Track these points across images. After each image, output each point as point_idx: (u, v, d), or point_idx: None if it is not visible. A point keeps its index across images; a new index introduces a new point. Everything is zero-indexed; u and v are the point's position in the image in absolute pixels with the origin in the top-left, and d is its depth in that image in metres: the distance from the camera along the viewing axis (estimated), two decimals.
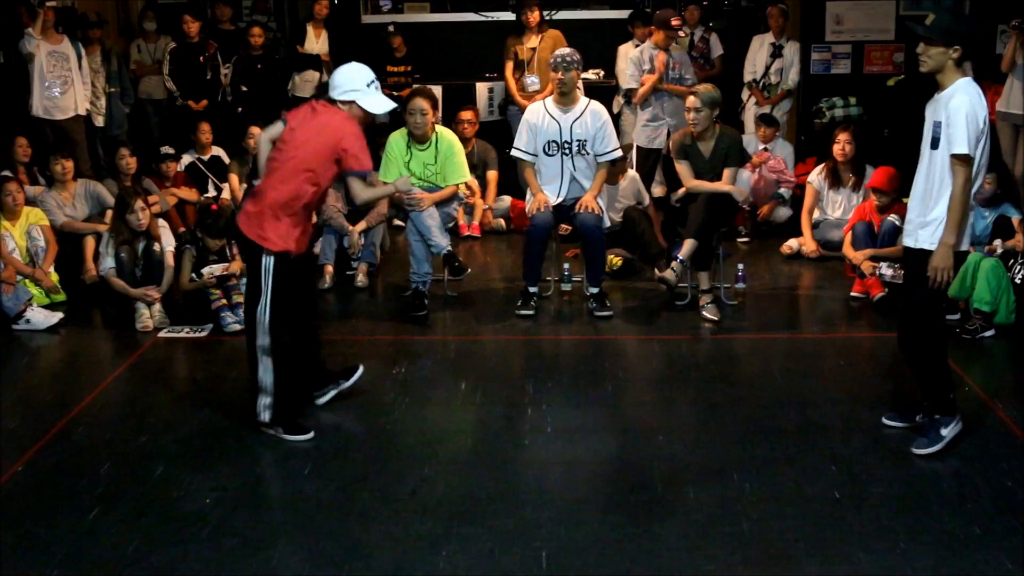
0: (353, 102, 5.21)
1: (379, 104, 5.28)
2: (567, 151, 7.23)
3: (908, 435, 5.19)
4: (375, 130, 10.46)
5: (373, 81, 5.27)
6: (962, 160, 4.73)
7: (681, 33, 9.06)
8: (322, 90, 5.40)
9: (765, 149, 9.42)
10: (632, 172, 8.69)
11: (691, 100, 7.21)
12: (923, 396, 5.22)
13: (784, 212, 9.21)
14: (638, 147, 9.06)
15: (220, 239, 7.33)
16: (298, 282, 5.34)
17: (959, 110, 4.72)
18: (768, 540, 4.34)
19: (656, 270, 7.66)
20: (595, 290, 7.30)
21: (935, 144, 4.85)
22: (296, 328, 5.34)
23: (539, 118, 7.27)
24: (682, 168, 7.30)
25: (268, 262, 5.14)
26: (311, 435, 5.31)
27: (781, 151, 9.51)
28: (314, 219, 8.25)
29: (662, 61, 8.64)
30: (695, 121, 7.17)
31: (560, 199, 7.30)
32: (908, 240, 5.02)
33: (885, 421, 5.39)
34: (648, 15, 10.55)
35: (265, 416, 5.29)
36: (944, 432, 5.03)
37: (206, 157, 9.68)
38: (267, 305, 5.15)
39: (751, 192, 9.10)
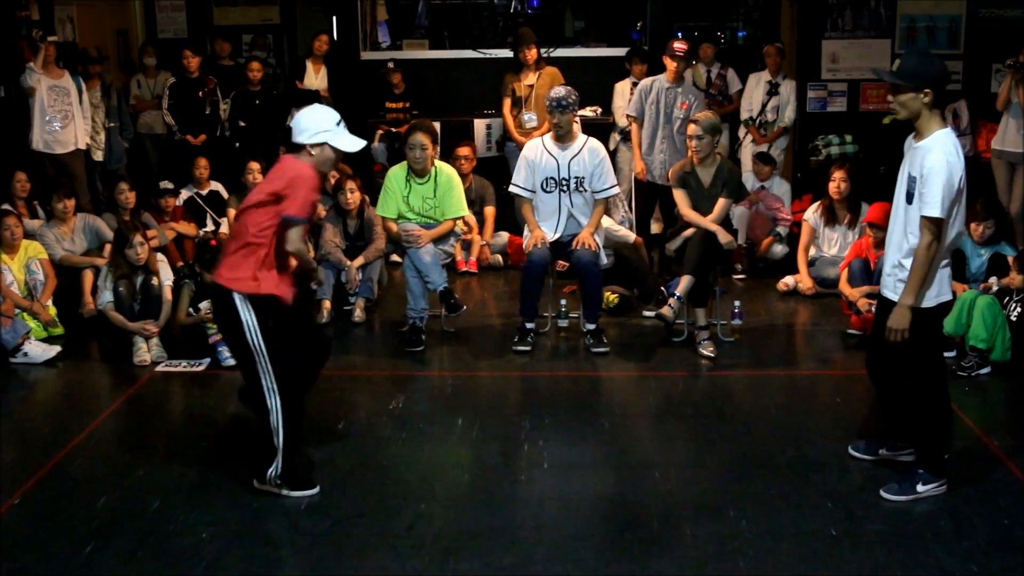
0: (324, 143, 4.97)
1: (350, 143, 5.04)
2: (565, 188, 7.26)
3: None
4: (372, 167, 10.53)
5: (340, 120, 5.06)
6: (933, 222, 4.64)
7: (683, 52, 8.75)
8: (285, 137, 5.13)
9: (762, 187, 9.47)
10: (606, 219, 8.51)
11: (692, 128, 7.27)
12: (903, 436, 5.24)
13: (780, 249, 9.23)
14: (635, 179, 9.06)
15: None
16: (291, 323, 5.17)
17: (934, 172, 4.61)
18: None
19: (655, 308, 7.69)
20: (592, 326, 7.32)
21: (910, 199, 4.77)
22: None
23: (537, 155, 7.31)
24: (679, 196, 7.34)
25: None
26: (316, 490, 5.13)
27: (778, 189, 9.56)
28: (311, 255, 8.31)
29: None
30: (697, 148, 7.22)
31: (557, 235, 7.32)
32: (896, 295, 4.87)
33: (851, 452, 5.44)
34: (645, 52, 10.64)
35: (273, 472, 5.05)
36: (920, 489, 4.96)
37: (204, 192, 9.71)
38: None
39: (748, 229, 9.15)
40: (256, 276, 4.90)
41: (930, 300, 4.81)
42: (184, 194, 9.63)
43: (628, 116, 9.16)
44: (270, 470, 5.02)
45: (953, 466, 5.08)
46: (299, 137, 4.97)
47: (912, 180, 4.75)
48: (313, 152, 4.97)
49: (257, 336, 4.89)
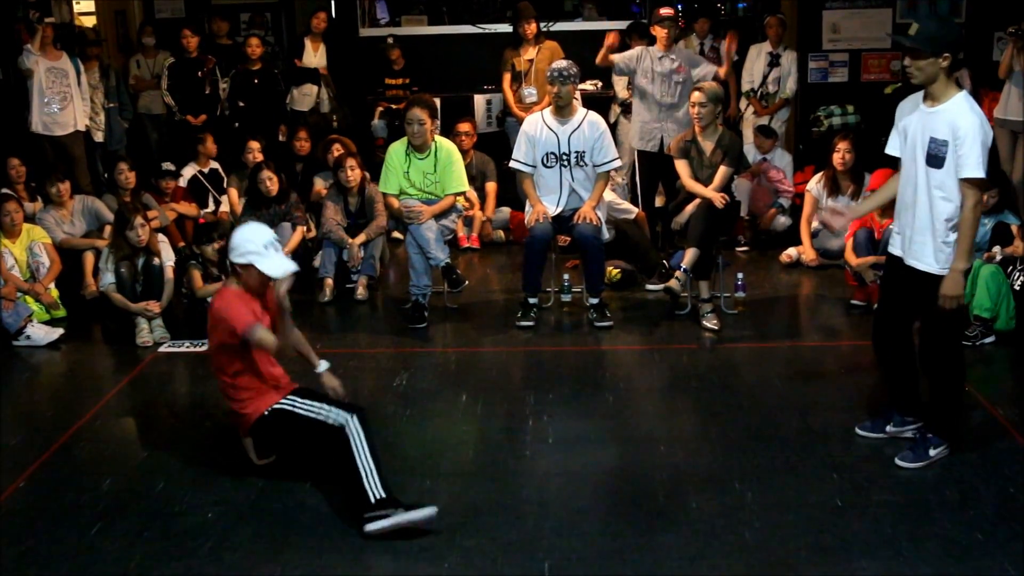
0: (251, 265, 4.88)
1: (276, 267, 4.84)
2: (565, 162, 7.24)
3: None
4: (373, 144, 10.52)
5: (271, 242, 4.91)
6: (977, 183, 4.64)
7: (670, 15, 8.71)
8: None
9: (764, 159, 9.44)
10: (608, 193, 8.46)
11: (696, 96, 7.31)
12: (907, 408, 5.24)
13: (783, 221, 9.21)
14: (638, 151, 8.99)
15: (217, 242, 7.33)
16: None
17: (972, 133, 4.59)
18: (771, 548, 4.34)
19: (658, 282, 7.69)
20: (595, 300, 7.30)
21: (936, 163, 4.70)
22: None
23: (537, 130, 7.29)
24: (681, 166, 7.38)
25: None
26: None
27: (780, 160, 9.52)
28: (312, 233, 8.32)
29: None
30: (699, 116, 7.26)
31: (559, 210, 7.31)
32: (924, 264, 4.85)
33: (858, 431, 5.39)
34: (645, 26, 10.58)
35: (379, 493, 4.63)
36: (932, 453, 4.99)
37: (206, 170, 9.67)
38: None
39: (751, 201, 9.12)
40: (254, 398, 5.01)
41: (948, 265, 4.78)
42: (189, 171, 9.59)
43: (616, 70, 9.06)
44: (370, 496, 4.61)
45: (958, 435, 5.09)
46: (231, 255, 4.96)
47: (934, 143, 4.70)
48: (241, 272, 4.94)
49: (297, 405, 4.94)
